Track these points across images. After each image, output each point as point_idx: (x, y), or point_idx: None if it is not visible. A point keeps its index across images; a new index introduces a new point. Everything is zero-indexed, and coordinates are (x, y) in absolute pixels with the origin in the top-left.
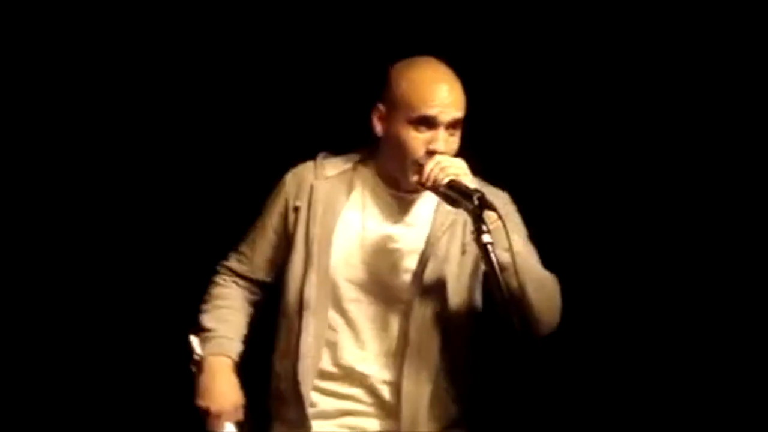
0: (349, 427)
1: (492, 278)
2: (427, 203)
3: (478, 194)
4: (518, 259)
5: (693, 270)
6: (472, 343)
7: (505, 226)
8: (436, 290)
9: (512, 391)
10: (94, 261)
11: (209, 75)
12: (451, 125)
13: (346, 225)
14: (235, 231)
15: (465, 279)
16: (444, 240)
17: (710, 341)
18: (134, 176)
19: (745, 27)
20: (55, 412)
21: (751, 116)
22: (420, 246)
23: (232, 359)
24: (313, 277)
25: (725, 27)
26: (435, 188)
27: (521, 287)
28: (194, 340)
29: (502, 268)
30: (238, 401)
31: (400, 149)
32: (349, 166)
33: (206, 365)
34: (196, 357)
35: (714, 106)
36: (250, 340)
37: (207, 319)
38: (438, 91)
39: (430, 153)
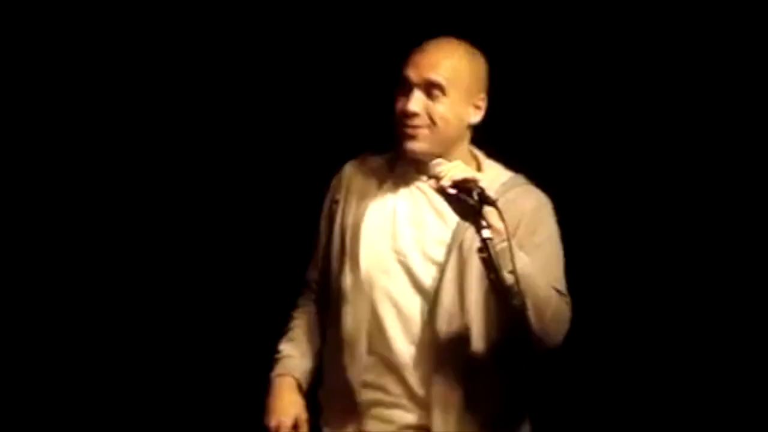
0: (380, 419)
1: (488, 275)
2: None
3: (478, 189)
4: (522, 281)
5: (694, 270)
6: (502, 337)
7: (511, 244)
8: (461, 283)
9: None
10: (98, 262)
11: (243, 79)
12: (429, 87)
13: (377, 213)
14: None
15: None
16: (470, 232)
17: (711, 341)
18: (148, 177)
19: (746, 27)
20: (57, 413)
21: (754, 116)
22: (446, 236)
23: (294, 377)
24: (347, 266)
25: (726, 27)
26: (441, 186)
27: (523, 307)
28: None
29: (506, 287)
30: (299, 416)
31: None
32: (389, 157)
33: (271, 386)
34: None
35: (714, 105)
36: None
37: (280, 342)
38: (419, 53)
39: (403, 111)
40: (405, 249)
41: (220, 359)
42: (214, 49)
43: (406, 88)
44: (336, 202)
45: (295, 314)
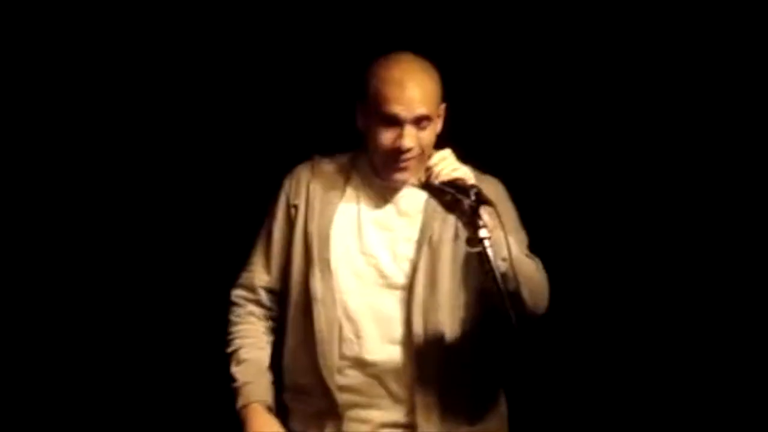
0: (357, 419)
1: (489, 274)
2: (419, 191)
3: (475, 189)
4: (516, 266)
5: (689, 266)
6: (477, 326)
7: (505, 232)
8: (432, 275)
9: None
10: (96, 262)
11: (202, 77)
12: (418, 121)
13: (344, 218)
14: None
15: (461, 263)
16: (437, 226)
17: (708, 338)
18: (130, 177)
19: (746, 27)
20: (57, 413)
21: (751, 116)
22: (414, 233)
23: (260, 401)
24: (316, 271)
25: (725, 27)
26: (430, 184)
27: (517, 290)
28: None
29: (501, 274)
30: None
31: (374, 145)
32: (344, 161)
33: (242, 418)
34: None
35: (711, 104)
36: None
37: (232, 370)
38: (400, 88)
39: (397, 149)
40: (374, 250)
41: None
42: (193, 54)
43: (393, 124)
44: (295, 206)
45: (237, 331)
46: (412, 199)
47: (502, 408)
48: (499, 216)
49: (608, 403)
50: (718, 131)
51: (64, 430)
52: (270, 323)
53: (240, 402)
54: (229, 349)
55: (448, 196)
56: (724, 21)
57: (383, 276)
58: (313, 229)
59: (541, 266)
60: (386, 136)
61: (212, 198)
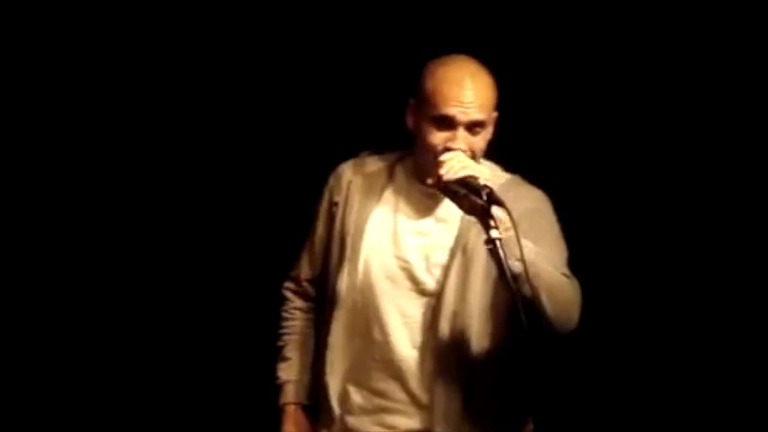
0: (384, 425)
1: (500, 275)
2: None
3: (487, 190)
4: (530, 269)
5: (696, 270)
6: (504, 338)
7: (517, 233)
8: (464, 284)
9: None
10: (99, 262)
11: (242, 78)
12: (473, 126)
13: (379, 219)
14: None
15: (494, 274)
16: (472, 235)
17: (712, 341)
18: (149, 177)
19: (746, 27)
20: (57, 413)
21: (754, 116)
22: (450, 240)
23: (295, 402)
24: (345, 271)
25: (726, 27)
26: (445, 183)
27: (534, 294)
28: None
29: (514, 276)
30: None
31: (423, 146)
32: (388, 162)
33: (283, 414)
34: None
35: (715, 106)
36: None
37: (277, 365)
38: (459, 90)
39: (447, 151)
40: (408, 256)
41: (215, 358)
42: (207, 49)
43: (446, 125)
44: (335, 204)
45: (285, 327)
46: (452, 206)
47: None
48: (512, 217)
49: (620, 409)
50: (719, 134)
51: (64, 430)
52: (316, 315)
53: (280, 400)
54: (278, 344)
55: (462, 195)
56: (726, 21)
57: (415, 281)
58: (349, 227)
59: (574, 284)
60: (438, 137)
61: (260, 195)
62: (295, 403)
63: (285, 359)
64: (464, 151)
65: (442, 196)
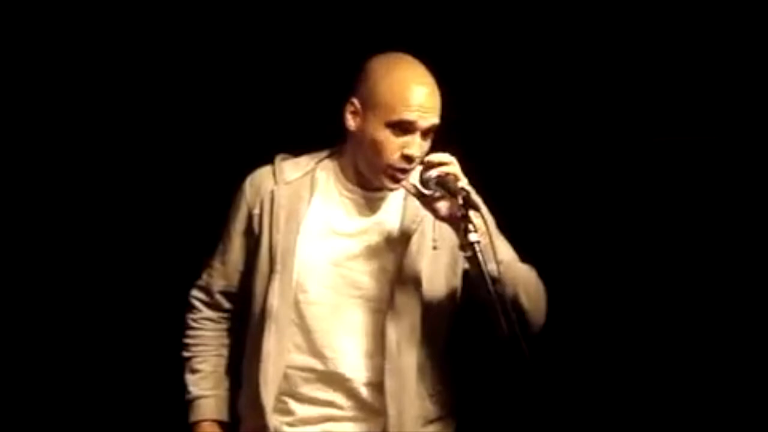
0: None
1: (479, 279)
2: (394, 200)
3: (464, 193)
4: (506, 270)
5: (686, 269)
6: (447, 337)
7: (490, 236)
8: (410, 287)
9: (494, 386)
10: (92, 261)
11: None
12: (428, 131)
13: (311, 228)
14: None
15: (440, 275)
16: (415, 237)
17: (704, 342)
18: (123, 176)
19: (746, 27)
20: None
21: (751, 116)
22: (390, 244)
23: (211, 420)
24: (276, 285)
25: (724, 27)
26: (423, 180)
27: (514, 293)
28: None
29: (493, 279)
30: None
31: (374, 150)
32: (310, 167)
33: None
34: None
35: (710, 105)
36: None
37: (186, 379)
38: (419, 94)
39: (405, 157)
40: (346, 261)
41: None
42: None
43: (403, 130)
44: (257, 214)
45: (193, 337)
46: (388, 208)
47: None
48: (486, 221)
49: (605, 408)
50: (717, 135)
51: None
52: (228, 325)
53: (192, 417)
54: (185, 355)
55: (436, 197)
56: (725, 21)
57: (357, 288)
58: (278, 240)
59: (536, 274)
60: (394, 143)
61: (183, 196)
62: (211, 420)
63: (195, 371)
64: (418, 157)
65: (379, 198)
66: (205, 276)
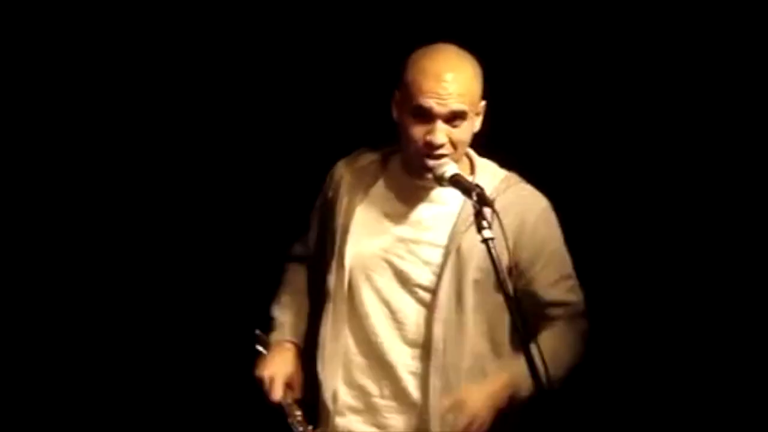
0: (375, 425)
1: (493, 274)
2: (452, 193)
3: (477, 190)
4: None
5: (693, 271)
6: (497, 338)
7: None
8: (459, 285)
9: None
10: (96, 261)
11: (231, 77)
12: (452, 117)
13: (366, 213)
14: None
15: (490, 274)
16: (468, 234)
17: (704, 341)
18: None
19: (745, 27)
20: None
21: (751, 116)
22: (442, 238)
23: (292, 342)
24: (333, 265)
25: (725, 27)
26: (438, 177)
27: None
28: (258, 333)
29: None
30: (292, 375)
31: (406, 138)
32: (380, 156)
33: (270, 349)
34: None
35: (712, 106)
36: None
37: (273, 308)
38: (435, 81)
39: (427, 144)
40: (396, 249)
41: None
42: (203, 48)
43: (425, 117)
44: (328, 201)
45: (286, 280)
46: (448, 201)
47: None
48: (499, 219)
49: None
50: (717, 135)
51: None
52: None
53: (272, 337)
54: (276, 294)
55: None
56: (724, 21)
57: (401, 276)
58: (338, 223)
59: (582, 324)
60: (417, 130)
61: (260, 196)
62: (291, 341)
63: (281, 302)
64: (443, 145)
65: (432, 188)
66: (295, 243)
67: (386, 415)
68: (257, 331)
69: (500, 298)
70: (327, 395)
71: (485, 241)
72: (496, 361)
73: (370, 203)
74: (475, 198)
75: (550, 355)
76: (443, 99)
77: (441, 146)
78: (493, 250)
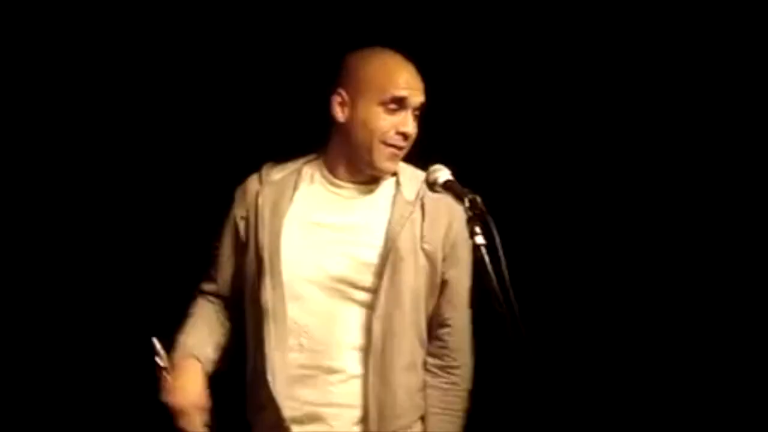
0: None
1: (484, 279)
2: (383, 196)
3: (469, 197)
4: None
5: (684, 270)
6: (423, 333)
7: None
8: (396, 284)
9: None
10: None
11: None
12: (417, 108)
13: (295, 223)
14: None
15: (424, 273)
16: (403, 234)
17: (704, 342)
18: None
19: (743, 27)
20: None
21: (744, 115)
22: (378, 239)
23: (198, 360)
24: (267, 282)
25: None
26: (431, 183)
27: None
28: (157, 343)
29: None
30: (202, 400)
31: (367, 131)
32: (295, 166)
33: (174, 367)
34: (160, 363)
35: (703, 104)
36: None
37: (179, 337)
38: (408, 73)
39: (400, 134)
40: (333, 256)
41: None
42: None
43: (397, 107)
44: (243, 218)
45: (192, 313)
46: (376, 203)
47: None
48: (492, 228)
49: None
50: (713, 136)
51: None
52: (227, 313)
53: (176, 357)
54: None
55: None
56: (724, 21)
57: (343, 282)
58: (264, 239)
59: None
60: (388, 121)
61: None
62: (198, 359)
63: (185, 330)
64: (410, 135)
65: (366, 191)
66: (203, 281)
67: (332, 423)
68: (153, 339)
69: (424, 294)
70: (282, 408)
71: (478, 247)
72: (423, 354)
73: (297, 214)
74: (467, 204)
75: None
76: (415, 89)
77: (409, 137)
78: (485, 256)
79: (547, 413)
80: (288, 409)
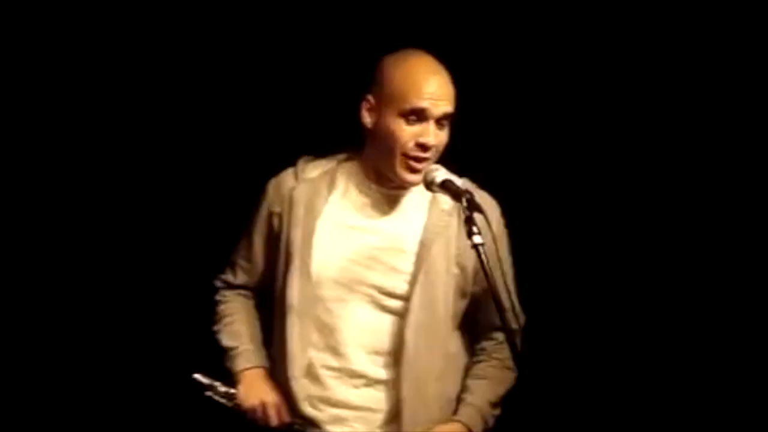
0: None
1: (485, 277)
2: (417, 201)
3: (467, 195)
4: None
5: (684, 270)
6: (467, 344)
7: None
8: (430, 292)
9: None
10: (90, 262)
11: (188, 77)
12: (441, 119)
13: (328, 224)
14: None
15: (460, 282)
16: (439, 242)
17: (704, 342)
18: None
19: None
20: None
21: (741, 115)
22: (412, 245)
23: (264, 367)
24: (295, 280)
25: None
26: (429, 186)
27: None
28: (200, 377)
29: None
30: (275, 396)
31: (389, 141)
32: (331, 165)
33: (242, 378)
34: (219, 391)
35: (702, 105)
36: None
37: (225, 339)
38: (430, 83)
39: (420, 146)
40: (364, 260)
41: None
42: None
43: (418, 118)
44: (276, 214)
45: (228, 311)
46: (410, 207)
47: None
48: (490, 226)
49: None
50: (713, 136)
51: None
52: (255, 302)
53: (239, 365)
54: (218, 326)
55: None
56: (723, 22)
57: (373, 286)
58: (296, 236)
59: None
60: (408, 132)
61: (204, 197)
62: (257, 367)
63: (234, 332)
64: (434, 146)
65: (399, 196)
66: (228, 273)
67: (354, 425)
68: (196, 376)
69: (453, 299)
70: (304, 406)
71: (476, 246)
72: (468, 357)
73: (331, 214)
74: (465, 203)
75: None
76: (437, 100)
77: (431, 148)
78: (483, 256)
79: (547, 413)
80: (309, 407)
